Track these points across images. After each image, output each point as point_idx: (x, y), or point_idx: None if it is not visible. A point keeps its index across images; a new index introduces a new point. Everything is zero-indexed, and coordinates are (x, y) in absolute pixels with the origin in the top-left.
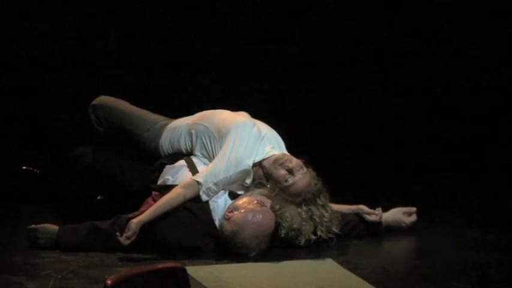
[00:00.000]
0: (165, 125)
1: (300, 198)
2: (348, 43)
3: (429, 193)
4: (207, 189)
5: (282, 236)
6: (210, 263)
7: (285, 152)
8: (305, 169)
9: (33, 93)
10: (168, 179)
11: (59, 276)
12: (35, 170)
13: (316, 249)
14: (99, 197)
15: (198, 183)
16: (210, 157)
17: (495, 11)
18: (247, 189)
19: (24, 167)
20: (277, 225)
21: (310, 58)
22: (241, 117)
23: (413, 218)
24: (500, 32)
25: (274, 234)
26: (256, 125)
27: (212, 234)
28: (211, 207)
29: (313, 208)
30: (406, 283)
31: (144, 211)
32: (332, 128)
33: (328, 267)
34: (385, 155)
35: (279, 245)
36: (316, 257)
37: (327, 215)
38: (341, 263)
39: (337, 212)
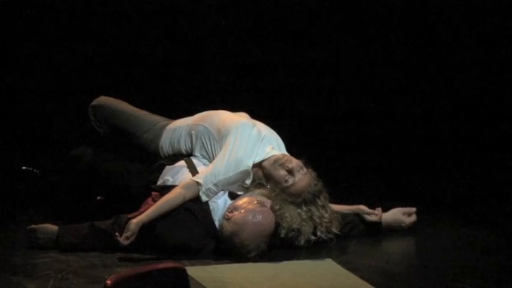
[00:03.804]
0: (165, 125)
1: (300, 199)
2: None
3: (429, 193)
4: (206, 189)
5: (282, 236)
6: (210, 263)
7: (285, 152)
8: (305, 169)
9: (33, 93)
10: (168, 179)
11: (59, 276)
12: (35, 170)
13: (316, 249)
14: (99, 197)
15: (198, 183)
16: (210, 158)
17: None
18: (247, 189)
19: (24, 167)
20: (277, 226)
21: (310, 58)
22: (241, 118)
23: (413, 218)
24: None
25: (274, 234)
26: (256, 125)
27: (212, 235)
28: (211, 207)
29: (313, 209)
30: (406, 283)
31: (143, 211)
32: (332, 128)
33: (328, 267)
34: (385, 155)
35: (279, 245)
36: (316, 257)
37: (326, 215)
38: (341, 263)
39: (337, 212)
